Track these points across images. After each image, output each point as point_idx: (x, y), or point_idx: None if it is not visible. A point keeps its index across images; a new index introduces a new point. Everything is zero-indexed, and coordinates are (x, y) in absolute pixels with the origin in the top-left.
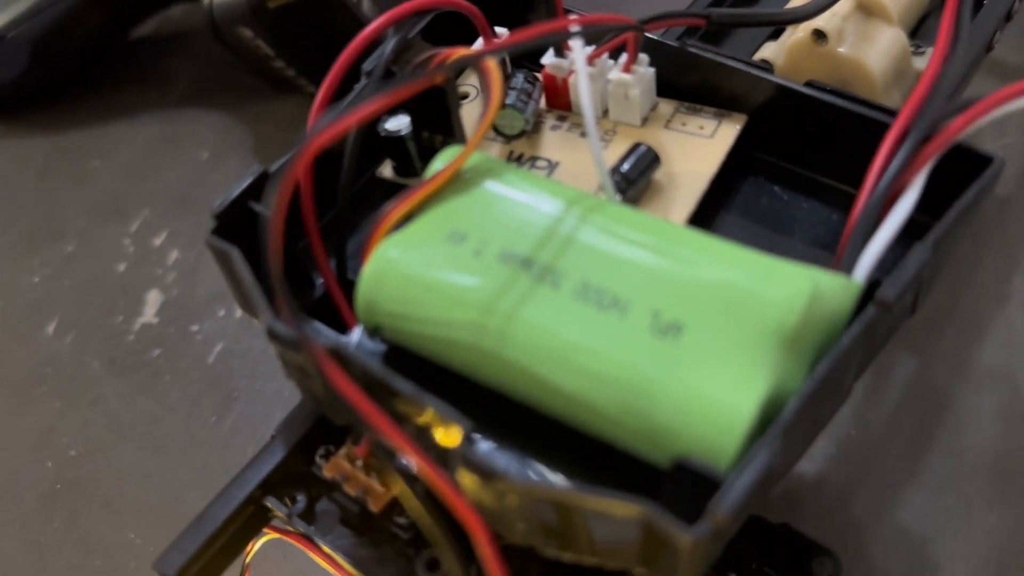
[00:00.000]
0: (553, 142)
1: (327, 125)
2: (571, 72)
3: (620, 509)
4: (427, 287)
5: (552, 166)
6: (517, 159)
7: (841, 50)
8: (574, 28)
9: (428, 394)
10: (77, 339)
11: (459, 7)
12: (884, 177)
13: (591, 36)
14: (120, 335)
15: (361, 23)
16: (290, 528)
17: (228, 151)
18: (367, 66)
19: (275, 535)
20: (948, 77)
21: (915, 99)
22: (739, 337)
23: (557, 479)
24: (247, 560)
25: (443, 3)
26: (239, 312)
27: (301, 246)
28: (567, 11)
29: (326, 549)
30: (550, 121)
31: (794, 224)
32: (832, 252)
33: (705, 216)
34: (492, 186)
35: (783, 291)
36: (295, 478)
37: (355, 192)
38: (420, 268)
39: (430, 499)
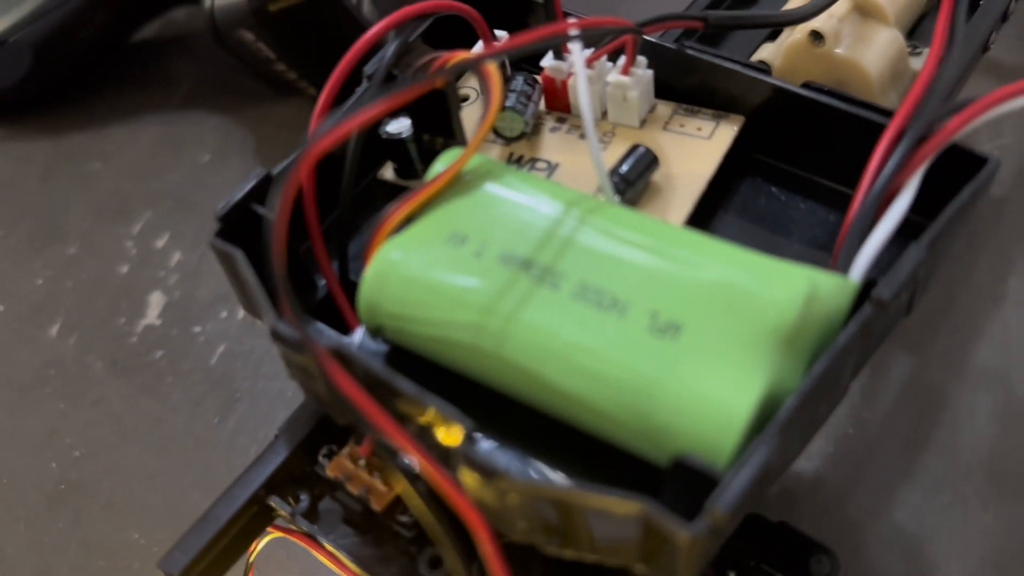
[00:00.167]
0: (553, 144)
1: (329, 130)
2: (570, 74)
3: (620, 507)
4: (428, 289)
5: (552, 168)
6: (517, 161)
7: (838, 51)
8: (573, 32)
9: (430, 394)
10: (80, 341)
11: (459, 11)
12: (880, 178)
13: (590, 39)
14: (123, 337)
15: (362, 25)
16: (293, 527)
17: (230, 153)
18: (368, 69)
19: (279, 534)
20: (943, 78)
21: (911, 100)
22: (737, 336)
23: (558, 478)
24: (251, 559)
25: (443, 7)
26: (241, 313)
27: (304, 248)
28: (566, 14)
29: (329, 548)
30: (549, 123)
31: (791, 225)
32: (829, 252)
33: (703, 217)
34: (492, 188)
35: (780, 291)
36: (298, 478)
37: (357, 194)
38: (421, 270)
39: (432, 498)
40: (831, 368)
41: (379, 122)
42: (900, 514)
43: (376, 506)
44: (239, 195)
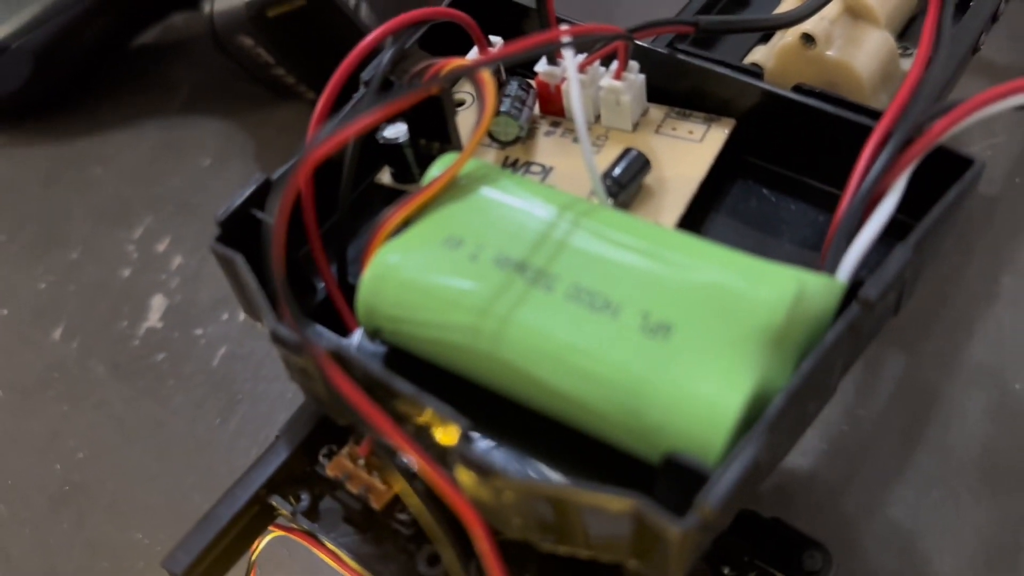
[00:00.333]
0: (547, 148)
1: (327, 137)
2: (564, 79)
3: (613, 503)
4: (425, 291)
5: (546, 171)
6: (512, 165)
7: (829, 53)
8: (565, 39)
9: (427, 394)
10: (83, 344)
11: (455, 18)
12: (867, 179)
13: (582, 45)
14: (125, 340)
15: (359, 30)
16: (295, 526)
17: (230, 158)
18: (365, 75)
19: (280, 533)
20: (930, 81)
21: (898, 102)
22: (726, 336)
23: (553, 475)
24: (253, 558)
25: (439, 14)
26: (242, 316)
27: (303, 252)
28: (560, 20)
29: (330, 546)
30: (544, 127)
31: (782, 225)
32: (819, 253)
33: (695, 219)
34: (487, 192)
35: (769, 291)
36: (299, 477)
37: (355, 199)
38: (418, 273)
39: (430, 496)
40: (819, 367)
41: (376, 128)
42: (893, 510)
43: (375, 504)
44: (239, 200)
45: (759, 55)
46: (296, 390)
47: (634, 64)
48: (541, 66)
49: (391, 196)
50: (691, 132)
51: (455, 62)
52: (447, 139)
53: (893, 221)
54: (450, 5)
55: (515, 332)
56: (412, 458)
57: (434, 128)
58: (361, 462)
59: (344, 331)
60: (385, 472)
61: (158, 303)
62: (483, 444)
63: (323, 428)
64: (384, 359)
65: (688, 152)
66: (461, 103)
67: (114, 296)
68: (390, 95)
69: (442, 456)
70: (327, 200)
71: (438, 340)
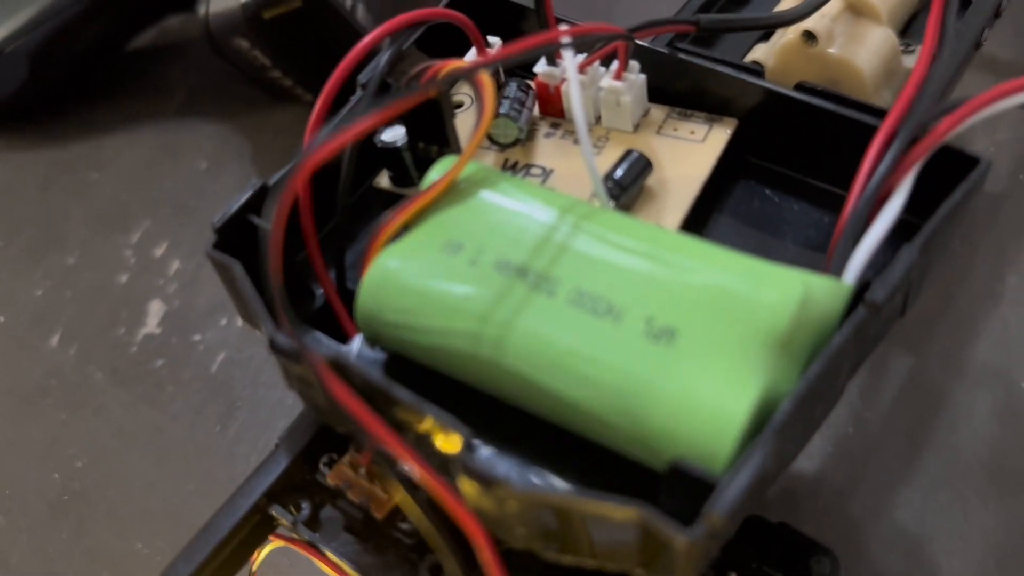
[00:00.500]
0: (547, 149)
1: (323, 142)
2: (563, 80)
3: (618, 512)
4: (424, 297)
5: (546, 173)
6: (512, 167)
7: (831, 51)
8: (565, 40)
9: (428, 403)
10: (80, 350)
11: (452, 19)
12: (872, 180)
13: (582, 45)
14: (123, 346)
15: (356, 31)
16: (295, 536)
17: (227, 161)
18: (362, 78)
19: (281, 543)
20: (935, 79)
21: (902, 101)
22: (731, 341)
23: (556, 483)
24: (253, 568)
25: (437, 15)
26: (240, 321)
27: (301, 257)
28: (559, 20)
29: (331, 556)
30: (544, 128)
31: (785, 226)
32: (823, 252)
33: (698, 220)
34: (487, 196)
35: (774, 294)
36: (299, 486)
37: (353, 203)
38: (417, 278)
39: (431, 506)
40: (826, 371)
41: (374, 131)
42: (901, 514)
43: (377, 514)
44: (235, 206)
45: (760, 53)
46: (296, 396)
47: (634, 64)
48: (540, 67)
49: (389, 200)
50: (693, 132)
51: (453, 64)
52: (446, 142)
53: (898, 221)
54: (447, 6)
55: (517, 338)
56: (413, 468)
57: (432, 131)
58: (362, 470)
59: (343, 337)
60: (386, 481)
61: (156, 308)
62: (485, 452)
63: (323, 436)
64: (384, 366)
65: (690, 153)
66: (459, 105)
67: (112, 301)
68: (387, 98)
69: (443, 464)
70: (325, 204)
71: (439, 347)
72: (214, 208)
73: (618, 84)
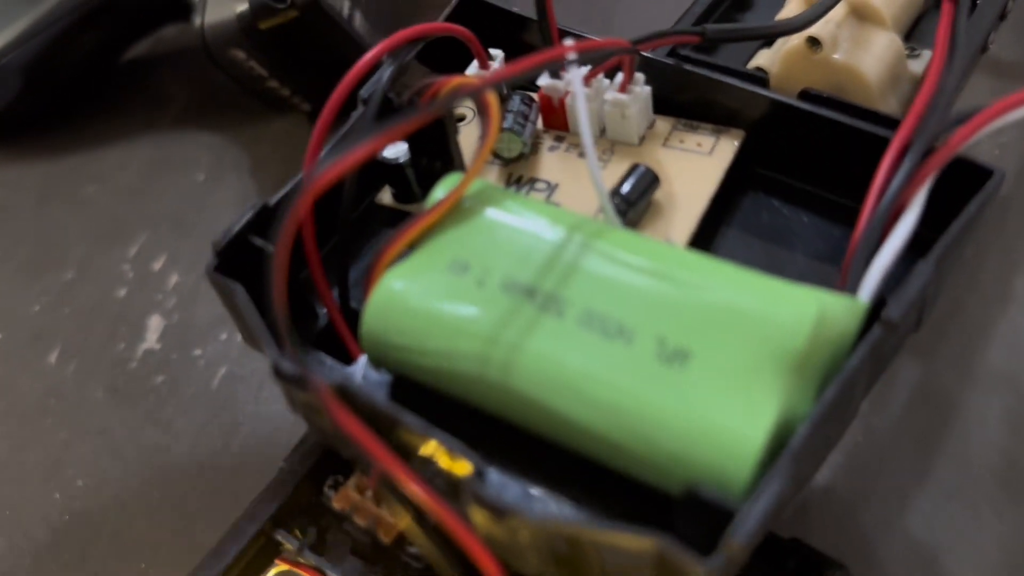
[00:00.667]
0: (552, 163)
1: (326, 168)
2: (567, 93)
3: (635, 543)
4: (431, 319)
5: (551, 188)
6: (516, 181)
7: (836, 57)
8: (570, 56)
9: (436, 429)
10: (80, 368)
11: (454, 32)
12: (886, 194)
13: (587, 59)
14: (123, 363)
15: (354, 40)
16: (301, 560)
17: (225, 172)
18: (364, 93)
19: (286, 567)
20: (947, 89)
21: (914, 112)
22: (746, 362)
23: (568, 510)
24: None
25: (438, 29)
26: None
27: (304, 275)
28: (562, 32)
29: None
30: (548, 142)
31: (795, 239)
32: (834, 265)
33: (706, 233)
34: (493, 214)
35: (789, 314)
36: (304, 508)
37: (355, 219)
38: (423, 300)
39: (438, 533)
40: (843, 392)
41: None
42: (913, 524)
43: (384, 539)
44: (237, 227)
45: (764, 59)
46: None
47: (639, 76)
48: (543, 80)
49: (392, 216)
50: (700, 144)
51: (456, 80)
52: (449, 158)
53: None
54: (449, 18)
55: (526, 360)
56: (421, 497)
57: (436, 148)
58: (368, 493)
59: (347, 358)
60: (393, 504)
61: (155, 323)
62: (496, 478)
63: (328, 458)
64: (390, 387)
65: (697, 165)
66: (462, 118)
67: (111, 317)
68: (391, 121)
69: (452, 488)
70: (326, 221)
71: (445, 369)
72: (213, 221)
73: (623, 97)
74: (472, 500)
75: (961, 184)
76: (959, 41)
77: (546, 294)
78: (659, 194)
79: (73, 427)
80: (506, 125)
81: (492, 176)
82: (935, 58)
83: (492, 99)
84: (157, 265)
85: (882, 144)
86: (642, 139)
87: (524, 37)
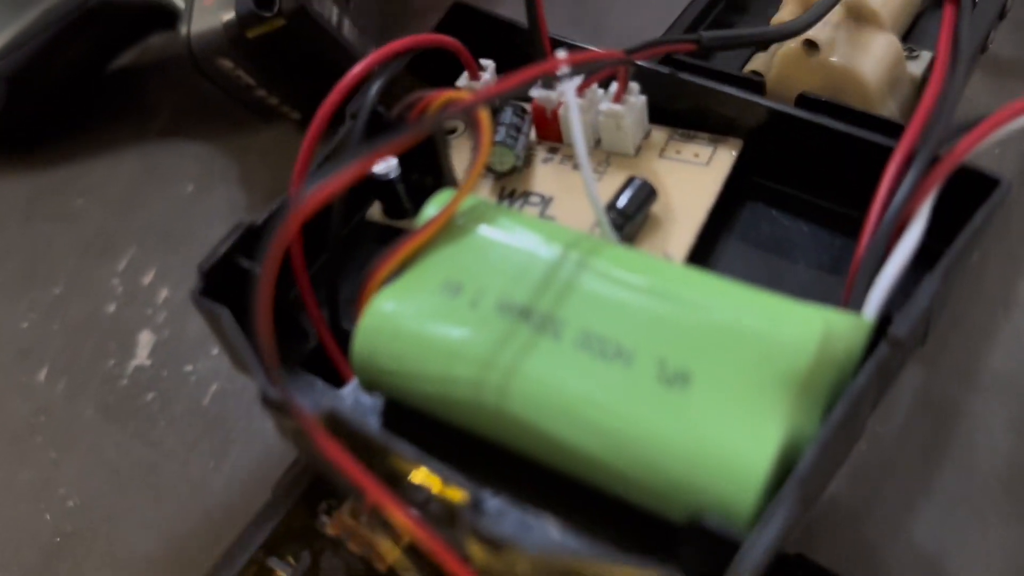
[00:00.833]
0: (546, 176)
1: (312, 192)
2: (560, 103)
3: (637, 574)
4: (423, 343)
5: (546, 201)
6: (509, 195)
7: (834, 60)
8: (564, 70)
9: (430, 458)
10: (69, 386)
11: (443, 44)
12: (890, 207)
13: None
14: (113, 380)
15: (343, 48)
16: None
17: (214, 183)
18: (352, 108)
19: None
20: (951, 96)
21: (918, 121)
22: (749, 383)
23: (568, 539)
24: None
25: (427, 42)
26: None
27: (293, 296)
28: (553, 41)
29: None
30: (541, 154)
31: (796, 250)
32: (835, 275)
33: (705, 245)
34: (486, 232)
35: (793, 333)
36: (298, 534)
37: (345, 236)
38: (415, 322)
39: (430, 565)
40: (850, 412)
41: None
42: (918, 533)
43: (379, 566)
44: (223, 249)
45: (760, 63)
46: None
47: (634, 86)
48: (536, 90)
49: (382, 232)
50: (697, 155)
51: (446, 95)
52: (440, 174)
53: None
54: (439, 26)
55: (522, 384)
56: (412, 529)
57: (426, 163)
58: (363, 518)
59: (339, 379)
60: (381, 538)
61: (146, 339)
62: (493, 505)
63: (322, 480)
64: (383, 411)
65: (695, 176)
66: (452, 131)
67: (100, 333)
68: (379, 141)
69: (448, 513)
70: (315, 238)
71: (440, 395)
72: (202, 232)
73: (618, 108)
74: (469, 533)
75: (966, 194)
76: (962, 45)
77: (542, 315)
78: (656, 207)
79: (63, 446)
80: (498, 138)
81: (485, 190)
82: (938, 64)
83: (483, 116)
84: (147, 279)
85: (883, 152)
86: (638, 149)
87: (516, 45)
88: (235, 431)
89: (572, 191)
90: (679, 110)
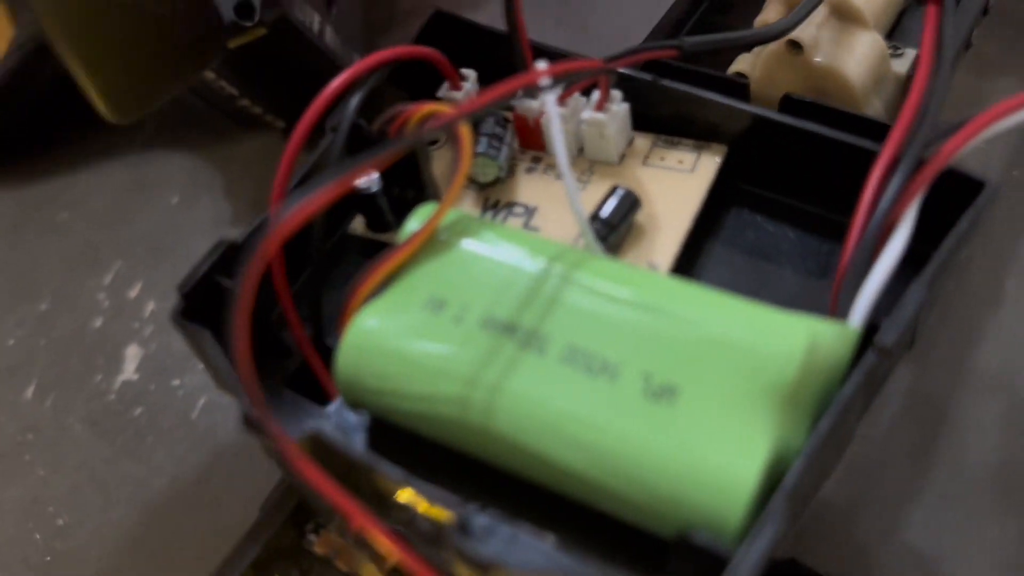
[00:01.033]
0: (529, 186)
1: (292, 211)
2: (542, 112)
3: None
4: (407, 360)
5: (530, 212)
6: (493, 206)
7: (817, 60)
8: (544, 81)
9: (416, 479)
10: (57, 402)
11: (423, 56)
12: (876, 212)
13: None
14: (100, 395)
15: (325, 56)
16: None
17: (199, 193)
18: (331, 122)
19: None
20: (936, 98)
21: (903, 123)
22: (736, 396)
23: (557, 555)
24: None
25: (407, 54)
26: None
27: (276, 314)
28: (534, 47)
29: None
30: (524, 163)
31: (782, 256)
32: (822, 280)
33: (690, 254)
34: (469, 246)
35: (778, 344)
36: (286, 551)
37: (327, 250)
38: (399, 340)
39: None
40: (837, 422)
41: None
42: (911, 533)
43: None
44: (203, 268)
45: (744, 64)
46: None
47: (616, 93)
48: (517, 100)
49: (365, 246)
50: (681, 161)
51: (427, 108)
52: (421, 186)
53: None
54: (420, 35)
55: (507, 401)
56: (395, 552)
57: (408, 176)
58: (349, 539)
59: (324, 396)
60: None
61: (133, 353)
62: (480, 523)
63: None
64: (369, 429)
65: (679, 183)
66: (434, 142)
67: (87, 348)
68: (359, 158)
69: (434, 532)
70: (297, 253)
71: (425, 413)
72: (188, 244)
73: (600, 116)
74: (456, 556)
75: (952, 196)
76: (946, 42)
77: (527, 330)
78: (641, 215)
79: (51, 464)
80: (480, 149)
81: (468, 201)
82: (921, 64)
83: (463, 132)
84: (133, 292)
85: (868, 156)
86: (622, 157)
87: (498, 52)
88: (223, 445)
89: (556, 201)
90: (662, 116)
